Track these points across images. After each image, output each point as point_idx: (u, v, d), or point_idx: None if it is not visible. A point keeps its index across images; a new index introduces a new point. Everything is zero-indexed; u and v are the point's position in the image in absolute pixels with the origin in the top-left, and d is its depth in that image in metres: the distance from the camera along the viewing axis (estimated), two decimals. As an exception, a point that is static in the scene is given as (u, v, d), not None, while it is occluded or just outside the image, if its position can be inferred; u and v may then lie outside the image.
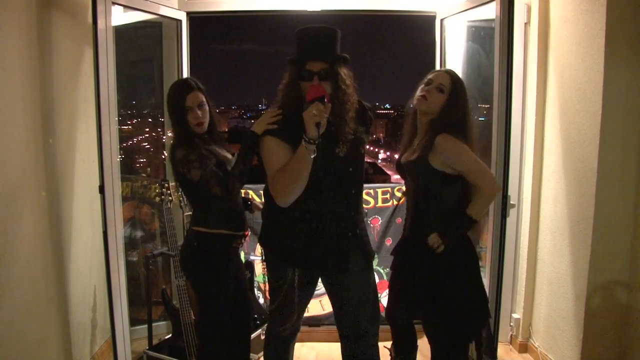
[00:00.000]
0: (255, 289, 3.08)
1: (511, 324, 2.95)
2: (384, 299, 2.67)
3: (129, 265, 2.90)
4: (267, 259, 1.94)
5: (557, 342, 2.58)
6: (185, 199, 2.65)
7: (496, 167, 2.30)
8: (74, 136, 2.55)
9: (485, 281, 2.47)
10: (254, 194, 3.00)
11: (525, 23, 2.73)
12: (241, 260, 2.47)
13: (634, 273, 2.25)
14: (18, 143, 2.04)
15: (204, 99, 2.02)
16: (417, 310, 2.05)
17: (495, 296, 2.33)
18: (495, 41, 2.29)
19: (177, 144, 1.98)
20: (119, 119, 2.61)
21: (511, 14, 2.20)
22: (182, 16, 2.95)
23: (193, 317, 2.52)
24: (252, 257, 3.11)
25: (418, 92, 1.90)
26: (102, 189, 2.30)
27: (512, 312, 2.95)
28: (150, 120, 3.46)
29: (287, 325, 1.90)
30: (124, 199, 2.85)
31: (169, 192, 2.59)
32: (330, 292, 1.89)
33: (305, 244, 1.79)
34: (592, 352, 2.33)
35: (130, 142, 3.41)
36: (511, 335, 2.96)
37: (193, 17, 3.02)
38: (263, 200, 1.96)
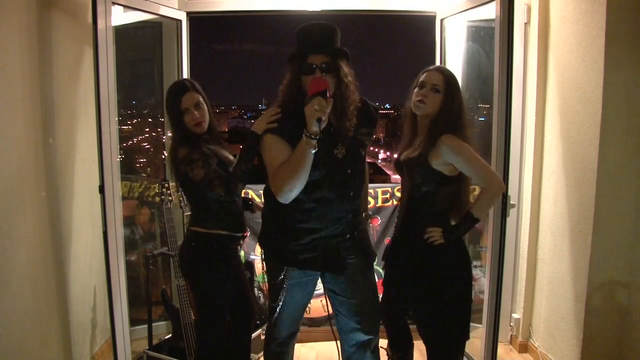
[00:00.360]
0: (256, 289, 3.08)
1: (511, 324, 2.95)
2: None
3: (129, 265, 2.90)
4: (266, 260, 1.94)
5: (557, 342, 2.58)
6: (185, 199, 2.65)
7: (496, 167, 2.30)
8: (74, 136, 2.55)
9: (485, 281, 2.47)
10: (254, 194, 3.00)
11: (525, 23, 2.74)
12: (241, 261, 2.47)
13: (634, 273, 2.26)
14: (18, 143, 2.04)
15: (201, 99, 2.01)
16: (409, 311, 2.06)
17: (495, 296, 2.33)
18: (495, 41, 2.29)
19: (179, 143, 1.97)
20: (119, 119, 2.61)
21: (511, 14, 2.20)
22: (182, 16, 2.95)
23: (193, 317, 2.52)
24: (252, 257, 3.11)
25: (414, 97, 1.89)
26: (102, 189, 2.30)
27: (512, 312, 2.95)
28: (150, 120, 3.46)
29: (285, 326, 1.90)
30: (124, 199, 2.85)
31: (169, 192, 2.59)
32: (330, 293, 1.89)
33: (303, 245, 1.78)
34: (592, 352, 2.33)
35: (130, 142, 3.42)
36: (511, 335, 2.96)
37: (193, 17, 3.02)
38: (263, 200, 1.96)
